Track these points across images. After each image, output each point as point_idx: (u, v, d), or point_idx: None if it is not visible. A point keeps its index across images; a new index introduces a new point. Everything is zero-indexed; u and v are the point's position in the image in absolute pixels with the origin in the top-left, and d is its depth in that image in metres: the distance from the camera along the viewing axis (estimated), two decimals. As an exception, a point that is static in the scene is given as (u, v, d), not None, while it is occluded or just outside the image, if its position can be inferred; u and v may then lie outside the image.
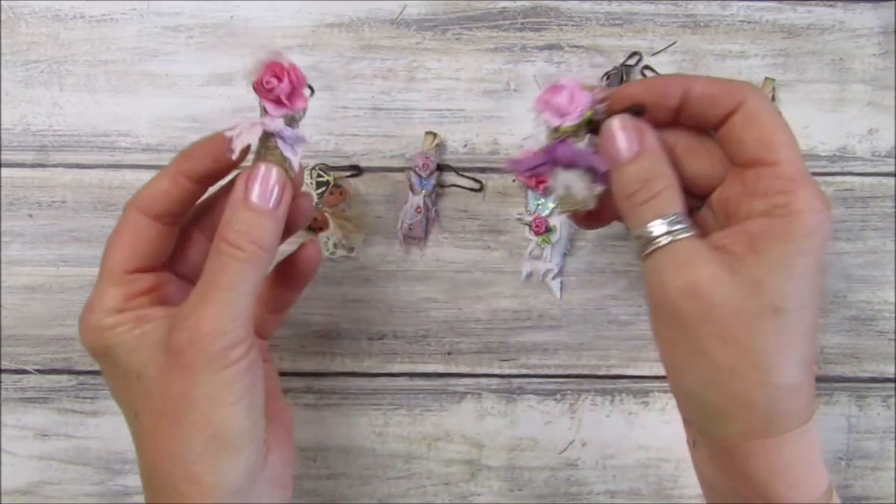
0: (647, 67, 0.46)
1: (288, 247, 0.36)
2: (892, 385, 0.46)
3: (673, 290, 0.30)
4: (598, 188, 0.33)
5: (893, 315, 0.46)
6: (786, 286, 0.29)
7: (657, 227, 0.30)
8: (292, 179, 0.32)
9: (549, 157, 0.34)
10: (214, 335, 0.29)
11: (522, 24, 0.46)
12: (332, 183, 0.44)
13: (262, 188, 0.31)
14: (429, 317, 0.46)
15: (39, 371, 0.47)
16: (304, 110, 0.32)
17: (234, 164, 0.33)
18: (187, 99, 0.46)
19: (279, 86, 0.31)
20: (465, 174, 0.46)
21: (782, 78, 0.46)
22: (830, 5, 0.46)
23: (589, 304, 0.46)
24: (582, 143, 0.33)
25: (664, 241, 0.30)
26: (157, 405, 0.31)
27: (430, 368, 0.47)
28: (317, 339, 0.47)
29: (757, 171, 0.31)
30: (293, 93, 0.31)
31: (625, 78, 0.46)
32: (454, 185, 0.46)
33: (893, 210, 0.46)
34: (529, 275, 0.46)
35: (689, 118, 0.33)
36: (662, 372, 0.33)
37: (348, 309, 0.46)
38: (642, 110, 0.32)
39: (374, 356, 0.47)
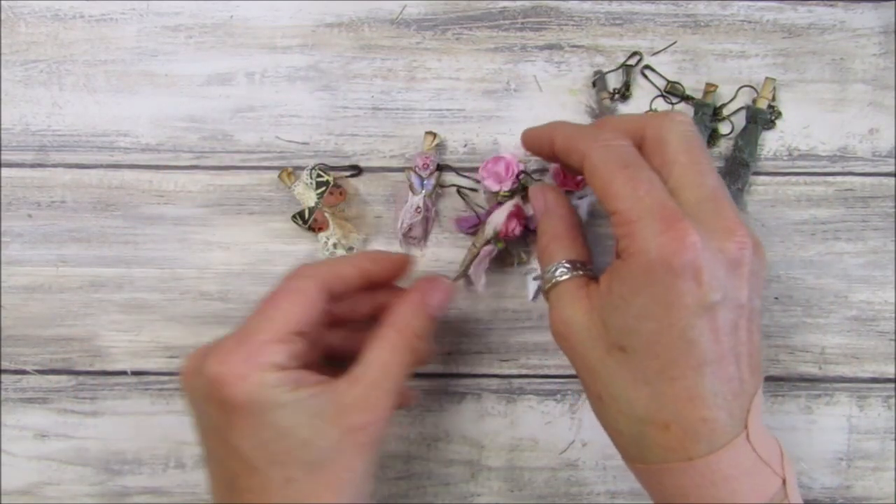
0: (647, 67, 0.46)
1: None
2: (893, 385, 0.46)
3: (551, 330, 0.35)
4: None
5: (894, 315, 0.46)
6: (626, 326, 0.31)
7: (546, 273, 0.36)
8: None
9: (486, 217, 0.43)
10: (387, 421, 0.34)
11: (522, 24, 0.46)
12: (331, 183, 0.44)
13: (442, 302, 0.37)
14: (429, 317, 0.46)
15: (39, 371, 0.47)
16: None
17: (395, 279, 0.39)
18: (187, 99, 0.46)
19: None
20: (465, 174, 0.46)
21: (783, 78, 0.46)
22: (831, 5, 0.46)
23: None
24: (509, 205, 0.43)
25: (546, 286, 0.36)
26: (318, 475, 0.32)
27: (430, 368, 0.47)
28: (317, 339, 0.47)
29: (611, 218, 0.32)
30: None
31: (624, 78, 0.46)
32: (454, 185, 0.46)
33: (894, 210, 0.46)
34: (535, 296, 0.46)
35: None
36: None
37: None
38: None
39: (374, 356, 0.47)
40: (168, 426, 0.46)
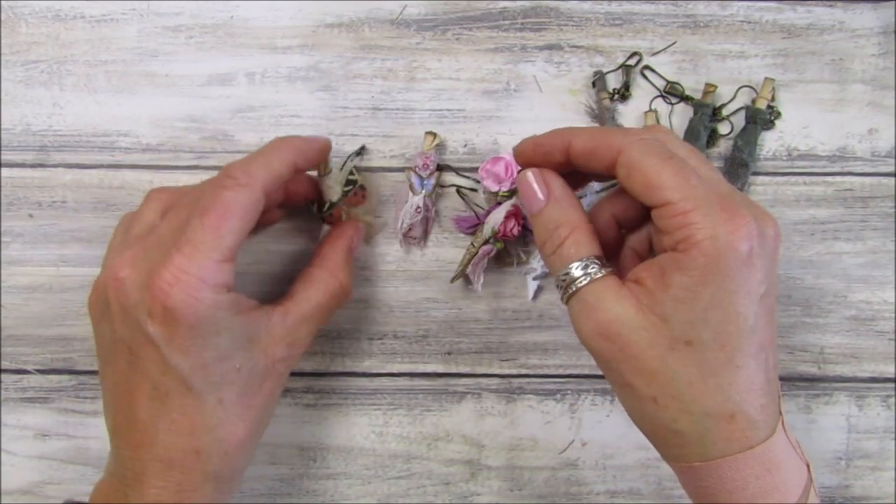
0: (647, 67, 0.46)
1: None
2: (892, 385, 0.46)
3: (586, 333, 0.32)
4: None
5: (893, 315, 0.46)
6: (693, 319, 0.30)
7: (570, 273, 0.33)
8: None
9: (485, 217, 0.43)
10: (300, 358, 0.39)
11: (522, 24, 0.46)
12: (359, 184, 0.44)
13: (358, 241, 0.44)
14: (429, 317, 0.46)
15: (39, 371, 0.47)
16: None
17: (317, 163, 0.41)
18: (187, 99, 0.46)
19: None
20: (465, 174, 0.46)
21: (782, 78, 0.46)
22: (830, 5, 0.46)
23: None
24: (507, 205, 0.42)
25: (577, 285, 0.32)
26: (244, 396, 0.35)
27: (430, 368, 0.47)
28: (317, 339, 0.47)
29: (658, 211, 0.31)
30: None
31: (624, 78, 0.46)
32: (454, 185, 0.46)
33: (893, 210, 0.46)
34: (535, 295, 0.46)
35: (579, 169, 0.35)
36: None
37: (348, 309, 0.46)
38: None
39: (374, 356, 0.47)
40: (168, 426, 0.46)
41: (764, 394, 0.31)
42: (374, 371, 0.47)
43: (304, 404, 0.47)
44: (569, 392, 0.47)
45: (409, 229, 0.45)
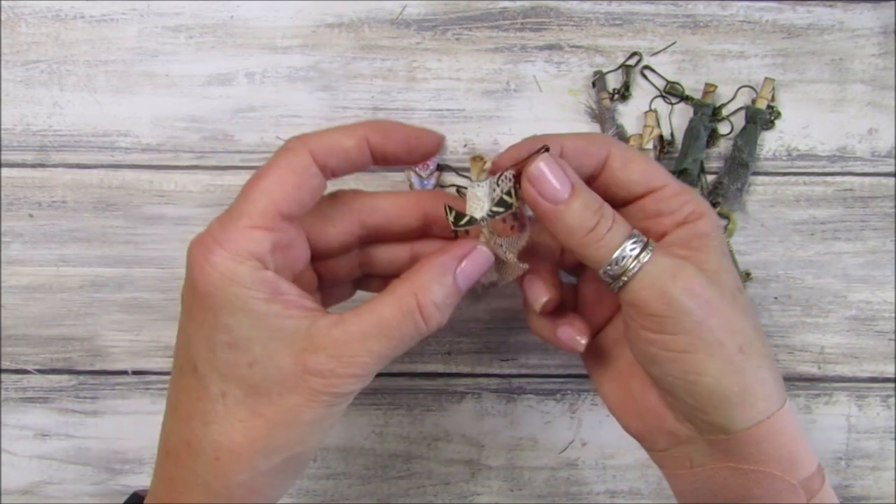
0: (647, 67, 0.46)
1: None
2: (892, 385, 0.46)
3: (679, 292, 0.31)
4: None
5: (893, 315, 0.46)
6: (734, 269, 0.33)
7: (634, 247, 0.31)
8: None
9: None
10: (358, 384, 0.29)
11: (522, 24, 0.46)
12: (514, 210, 0.33)
13: (473, 275, 0.32)
14: (429, 317, 0.46)
15: (39, 371, 0.47)
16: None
17: (419, 161, 0.33)
18: (187, 99, 0.46)
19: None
20: (465, 174, 0.46)
21: (782, 78, 0.46)
22: (830, 5, 0.46)
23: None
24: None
25: (645, 256, 0.31)
26: (255, 405, 0.29)
27: (430, 368, 0.47)
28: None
29: (652, 197, 0.34)
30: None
31: (624, 78, 0.46)
32: (454, 185, 0.46)
33: (893, 210, 0.46)
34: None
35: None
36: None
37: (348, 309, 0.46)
38: (547, 150, 0.32)
39: (374, 356, 0.47)
40: (168, 426, 0.47)
41: None
42: (374, 371, 0.47)
43: (304, 404, 0.47)
44: (569, 392, 0.47)
45: (409, 229, 0.45)
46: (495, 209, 0.32)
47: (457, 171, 0.46)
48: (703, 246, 0.33)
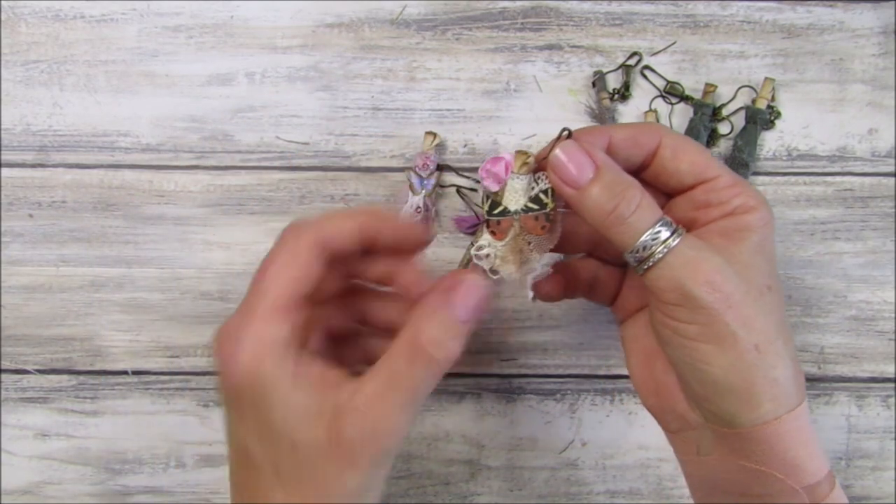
0: (647, 67, 0.46)
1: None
2: (892, 385, 0.46)
3: (695, 285, 0.31)
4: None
5: (893, 315, 0.46)
6: (768, 267, 0.33)
7: (659, 233, 0.31)
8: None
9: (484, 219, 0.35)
10: (391, 438, 0.30)
11: (522, 24, 0.46)
12: (548, 211, 0.33)
13: (471, 304, 0.31)
14: (429, 317, 0.46)
15: (39, 371, 0.47)
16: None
17: (413, 252, 0.34)
18: (187, 99, 0.46)
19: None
20: (465, 174, 0.46)
21: (782, 78, 0.46)
22: (830, 5, 0.46)
23: (589, 304, 0.46)
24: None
25: (672, 243, 0.31)
26: (304, 481, 0.29)
27: (430, 368, 0.47)
28: (317, 339, 0.47)
29: (703, 187, 0.33)
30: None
31: (624, 78, 0.46)
32: (454, 185, 0.46)
33: (893, 210, 0.46)
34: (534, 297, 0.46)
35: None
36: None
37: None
38: (570, 134, 0.32)
39: (374, 356, 0.47)
40: (168, 426, 0.47)
41: None
42: (374, 371, 0.47)
43: (304, 404, 0.47)
44: (569, 392, 0.47)
45: (409, 229, 0.45)
46: (530, 205, 0.33)
47: (457, 171, 0.46)
48: (741, 238, 0.32)
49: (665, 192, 0.35)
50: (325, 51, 0.46)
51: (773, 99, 0.46)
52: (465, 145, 0.46)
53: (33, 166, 0.46)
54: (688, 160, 0.33)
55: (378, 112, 0.46)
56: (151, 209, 0.46)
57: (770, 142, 0.46)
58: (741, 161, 0.45)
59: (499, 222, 0.34)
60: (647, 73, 0.46)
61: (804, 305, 0.46)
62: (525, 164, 0.33)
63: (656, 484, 0.47)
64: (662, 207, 0.33)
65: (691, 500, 0.36)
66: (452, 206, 0.46)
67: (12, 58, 0.46)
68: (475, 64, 0.46)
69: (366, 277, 0.35)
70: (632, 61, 0.46)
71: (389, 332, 0.33)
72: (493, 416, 0.47)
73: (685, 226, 0.33)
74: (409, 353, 0.30)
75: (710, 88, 0.45)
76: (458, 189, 0.46)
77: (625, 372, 0.46)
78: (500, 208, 0.34)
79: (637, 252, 0.31)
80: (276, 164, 0.46)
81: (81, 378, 0.47)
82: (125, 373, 0.47)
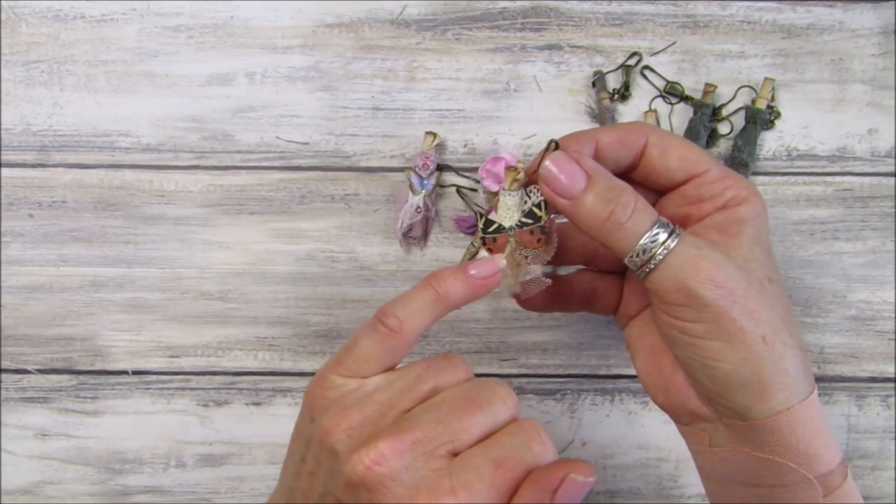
0: (646, 67, 0.46)
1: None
2: (892, 385, 0.46)
3: (698, 283, 0.31)
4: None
5: (893, 315, 0.46)
6: (767, 258, 0.33)
7: (657, 235, 0.31)
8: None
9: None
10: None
11: (522, 24, 0.46)
12: (541, 224, 0.34)
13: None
14: (429, 317, 0.46)
15: (40, 370, 0.47)
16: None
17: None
18: (187, 99, 0.46)
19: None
20: (465, 174, 0.46)
21: (782, 78, 0.46)
22: (830, 5, 0.46)
23: (589, 303, 0.46)
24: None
25: (671, 243, 0.31)
26: None
27: (430, 368, 0.47)
28: (317, 339, 0.47)
29: (693, 182, 0.33)
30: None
31: (624, 78, 0.46)
32: (454, 185, 0.46)
33: (893, 210, 0.46)
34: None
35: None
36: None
37: (348, 309, 0.46)
38: (558, 145, 0.32)
39: (374, 356, 0.47)
40: (168, 426, 0.47)
41: None
42: (374, 371, 0.47)
43: (304, 404, 0.47)
44: (569, 392, 0.47)
45: (409, 229, 0.45)
46: (524, 220, 0.34)
47: (457, 171, 0.46)
48: (738, 232, 0.32)
49: (655, 190, 0.35)
50: (325, 51, 0.46)
51: (772, 99, 0.46)
52: (465, 145, 0.46)
53: (33, 166, 0.46)
54: (676, 156, 0.33)
55: (378, 112, 0.46)
56: (151, 209, 0.46)
57: (770, 142, 0.46)
58: (741, 161, 0.45)
59: (495, 239, 0.34)
60: (646, 73, 0.46)
61: (804, 305, 0.46)
62: (516, 179, 0.33)
63: (656, 484, 0.47)
64: (654, 205, 0.33)
65: (691, 500, 0.36)
66: (452, 206, 0.46)
67: (12, 58, 0.46)
68: (475, 64, 0.46)
69: None
70: (632, 61, 0.46)
71: None
72: (493, 415, 0.47)
73: (679, 222, 0.33)
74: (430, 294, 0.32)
75: (709, 88, 0.45)
76: (458, 189, 0.46)
77: (625, 372, 0.47)
78: (495, 226, 0.34)
79: (637, 256, 0.31)
80: (276, 164, 0.46)
81: (81, 378, 0.47)
82: (125, 373, 0.47)
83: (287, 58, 0.46)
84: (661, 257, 0.31)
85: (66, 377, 0.47)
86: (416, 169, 0.45)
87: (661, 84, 0.46)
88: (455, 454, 0.28)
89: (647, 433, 0.47)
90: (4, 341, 0.47)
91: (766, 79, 0.45)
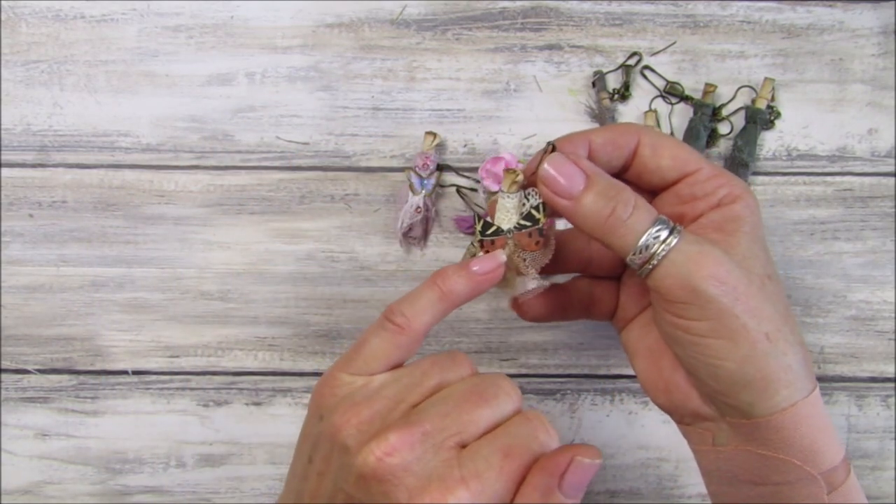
0: (646, 67, 0.46)
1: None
2: (892, 385, 0.46)
3: (702, 281, 0.31)
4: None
5: (893, 315, 0.46)
6: (764, 255, 0.33)
7: (659, 232, 0.31)
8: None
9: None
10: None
11: (522, 24, 0.46)
12: (539, 227, 0.34)
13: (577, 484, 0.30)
14: (429, 317, 0.46)
15: (40, 370, 0.47)
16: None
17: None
18: (187, 99, 0.46)
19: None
20: (465, 174, 0.46)
21: (782, 78, 0.46)
22: (830, 5, 0.46)
23: (589, 303, 0.46)
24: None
25: (672, 241, 0.31)
26: None
27: (430, 368, 0.47)
28: (317, 338, 0.47)
29: (686, 181, 0.33)
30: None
31: (624, 78, 0.46)
32: (454, 185, 0.46)
33: (893, 210, 0.46)
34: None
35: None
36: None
37: (348, 309, 0.46)
38: (555, 148, 0.32)
39: (374, 356, 0.47)
40: (168, 425, 0.47)
41: None
42: (374, 371, 0.47)
43: (304, 404, 0.47)
44: (569, 392, 0.47)
45: (409, 229, 0.45)
46: (523, 223, 0.34)
47: (457, 171, 0.46)
48: (735, 230, 0.32)
49: (649, 190, 0.35)
50: (325, 51, 0.46)
51: (772, 99, 0.46)
52: (465, 145, 0.46)
53: (33, 166, 0.46)
54: (668, 155, 0.34)
55: (378, 112, 0.46)
56: (151, 209, 0.46)
57: (770, 142, 0.46)
58: (741, 161, 0.45)
59: (493, 242, 0.34)
60: (646, 73, 0.46)
61: (804, 305, 0.46)
62: (514, 182, 0.33)
63: (656, 484, 0.47)
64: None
65: (691, 500, 0.36)
66: (452, 206, 0.46)
67: (12, 58, 0.46)
68: (475, 64, 0.46)
69: None
70: (632, 61, 0.46)
71: None
72: (493, 415, 0.47)
73: (675, 221, 0.33)
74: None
75: (709, 88, 0.45)
76: (458, 189, 0.46)
77: (625, 372, 0.47)
78: (493, 228, 0.34)
79: (639, 254, 0.31)
80: (276, 164, 0.46)
81: (82, 378, 0.47)
82: (125, 373, 0.47)
83: (287, 58, 0.46)
84: (662, 254, 0.31)
85: (66, 377, 0.47)
86: (416, 169, 0.45)
87: (661, 84, 0.46)
88: (463, 446, 0.29)
89: (647, 433, 0.47)
90: (4, 341, 0.47)
91: (766, 79, 0.45)
